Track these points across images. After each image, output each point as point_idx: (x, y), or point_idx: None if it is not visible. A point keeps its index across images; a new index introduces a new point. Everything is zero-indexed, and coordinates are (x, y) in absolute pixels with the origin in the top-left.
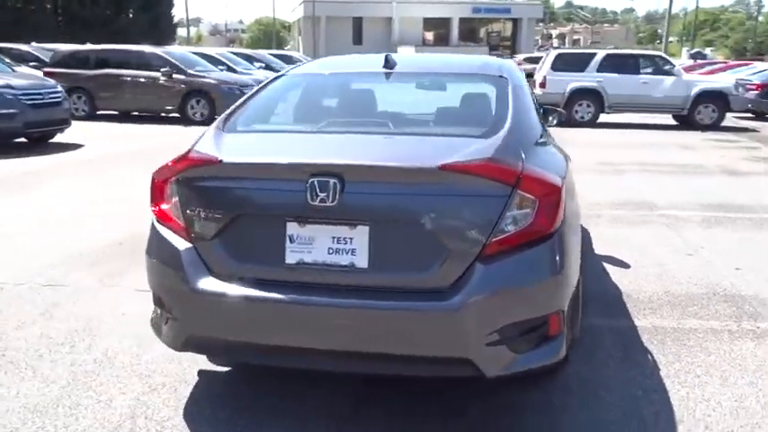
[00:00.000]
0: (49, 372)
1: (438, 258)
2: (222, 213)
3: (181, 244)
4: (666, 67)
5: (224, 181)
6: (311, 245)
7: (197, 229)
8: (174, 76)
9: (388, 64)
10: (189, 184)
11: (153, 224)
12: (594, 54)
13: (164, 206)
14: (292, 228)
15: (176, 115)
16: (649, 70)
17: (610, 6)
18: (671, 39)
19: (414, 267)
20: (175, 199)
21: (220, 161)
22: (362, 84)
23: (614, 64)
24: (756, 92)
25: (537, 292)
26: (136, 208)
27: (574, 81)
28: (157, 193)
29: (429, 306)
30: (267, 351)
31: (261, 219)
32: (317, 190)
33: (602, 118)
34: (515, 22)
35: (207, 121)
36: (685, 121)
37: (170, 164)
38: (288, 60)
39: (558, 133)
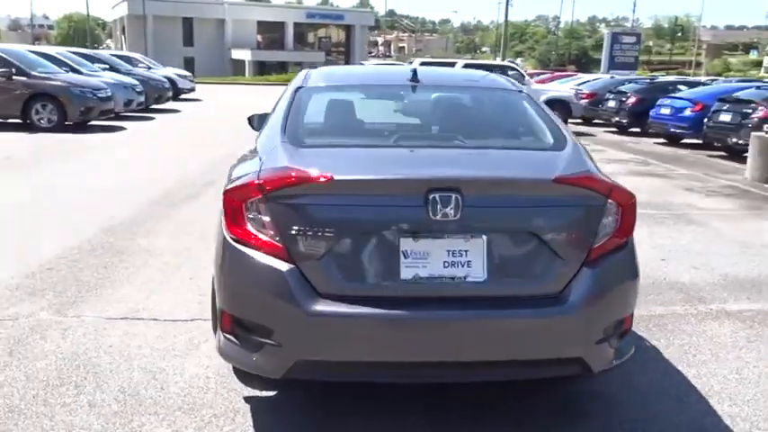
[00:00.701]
0: (71, 418)
1: (551, 265)
2: (330, 231)
3: (281, 265)
4: (513, 76)
5: (333, 198)
6: (426, 259)
7: (301, 248)
8: (15, 78)
9: (415, 77)
10: (288, 202)
11: (230, 246)
12: (454, 64)
13: (250, 227)
14: (406, 243)
15: (17, 121)
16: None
17: (429, 16)
18: (484, 49)
19: (529, 275)
20: (267, 219)
21: (332, 178)
22: (399, 96)
23: None
24: (587, 100)
25: (626, 292)
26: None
27: None
28: (238, 215)
29: (548, 312)
30: (382, 368)
31: (372, 235)
32: (440, 204)
33: None
34: (348, 28)
35: (56, 128)
36: None
37: (256, 182)
38: (129, 62)
39: None
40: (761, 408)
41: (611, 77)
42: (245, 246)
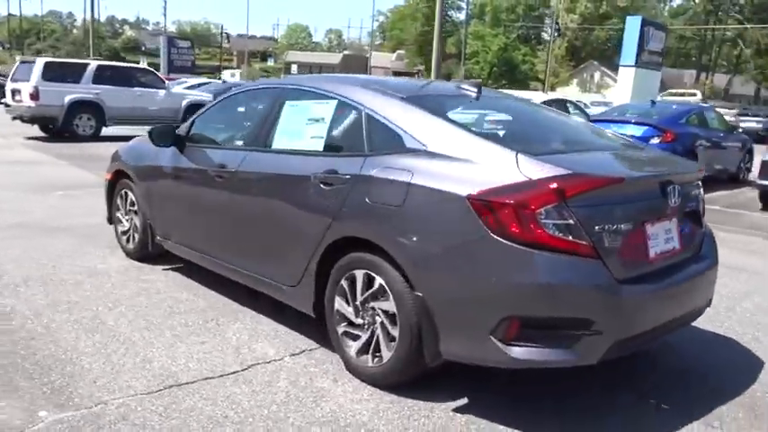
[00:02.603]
0: None
1: (700, 232)
2: (620, 225)
3: (593, 261)
4: (158, 82)
5: (617, 197)
6: (656, 239)
7: (601, 243)
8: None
9: (480, 91)
10: (583, 203)
11: (519, 252)
12: (87, 65)
13: (550, 231)
14: (648, 228)
15: None
16: (143, 82)
17: None
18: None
19: (695, 242)
20: (571, 221)
21: (623, 179)
22: (509, 106)
23: (109, 76)
24: None
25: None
26: None
27: (71, 93)
28: (530, 220)
29: (710, 263)
30: (658, 330)
31: (634, 223)
32: (674, 194)
33: (105, 131)
34: None
35: None
36: None
37: (552, 189)
38: None
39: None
40: None
41: (223, 82)
42: (544, 249)
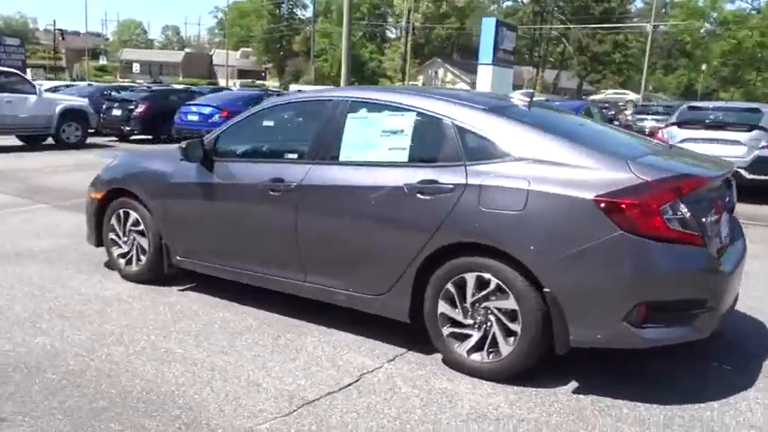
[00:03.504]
0: None
1: (737, 221)
2: (712, 216)
3: (703, 249)
4: (26, 86)
5: (708, 192)
6: (724, 227)
7: (707, 232)
8: None
9: (531, 101)
10: (692, 199)
11: (644, 244)
12: None
13: (670, 224)
14: (722, 217)
15: None
16: (10, 87)
17: None
18: None
19: (736, 230)
20: (685, 215)
21: (714, 177)
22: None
23: None
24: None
25: None
26: None
27: None
28: (654, 215)
29: (745, 250)
30: (732, 306)
31: (717, 214)
32: (732, 189)
33: None
34: None
35: None
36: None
37: (670, 187)
38: None
39: None
40: None
41: (89, 84)
42: (667, 241)
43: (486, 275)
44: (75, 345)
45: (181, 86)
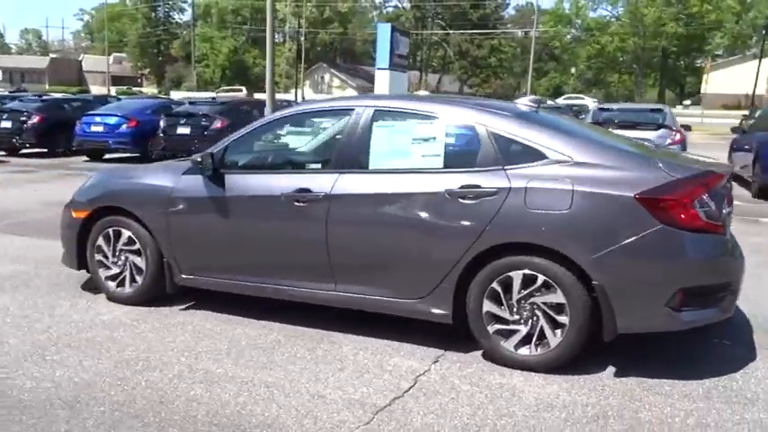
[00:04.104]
0: None
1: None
2: (725, 209)
3: (724, 237)
4: None
5: (721, 187)
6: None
7: (725, 223)
8: None
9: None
10: (712, 193)
11: (679, 234)
12: None
13: (702, 216)
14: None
15: None
16: None
17: None
18: None
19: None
20: (712, 207)
21: (725, 174)
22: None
23: None
24: None
25: None
26: None
27: None
28: (688, 208)
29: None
30: None
31: (725, 207)
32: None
33: None
34: None
35: None
36: None
37: (701, 182)
38: None
39: None
40: None
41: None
42: (699, 231)
43: (533, 273)
44: (104, 374)
45: (76, 95)
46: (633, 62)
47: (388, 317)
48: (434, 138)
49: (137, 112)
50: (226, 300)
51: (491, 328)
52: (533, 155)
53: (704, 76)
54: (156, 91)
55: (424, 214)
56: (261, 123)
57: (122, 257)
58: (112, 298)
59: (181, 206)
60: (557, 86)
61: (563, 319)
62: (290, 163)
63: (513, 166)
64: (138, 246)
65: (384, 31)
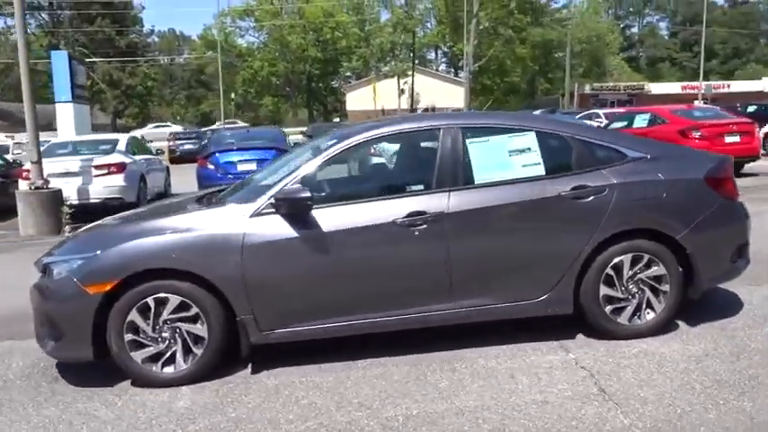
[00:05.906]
0: None
1: None
2: None
3: (742, 203)
4: None
5: None
6: None
7: None
8: None
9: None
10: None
11: (737, 204)
12: None
13: (736, 189)
14: None
15: None
16: None
17: None
18: None
19: None
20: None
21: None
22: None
23: None
24: None
25: None
26: None
27: None
28: (733, 184)
29: None
30: None
31: None
32: None
33: None
34: None
35: None
36: None
37: (729, 163)
38: None
39: None
40: None
41: None
42: (735, 199)
43: (640, 253)
44: None
45: None
46: (286, 85)
47: (467, 325)
48: (529, 148)
49: None
50: (287, 350)
51: (608, 309)
52: (618, 155)
53: (346, 96)
54: None
55: (540, 218)
56: (336, 151)
57: (168, 330)
58: (155, 382)
59: (261, 253)
60: (206, 112)
61: (665, 287)
62: (385, 188)
63: (607, 166)
64: (194, 310)
65: (60, 60)
